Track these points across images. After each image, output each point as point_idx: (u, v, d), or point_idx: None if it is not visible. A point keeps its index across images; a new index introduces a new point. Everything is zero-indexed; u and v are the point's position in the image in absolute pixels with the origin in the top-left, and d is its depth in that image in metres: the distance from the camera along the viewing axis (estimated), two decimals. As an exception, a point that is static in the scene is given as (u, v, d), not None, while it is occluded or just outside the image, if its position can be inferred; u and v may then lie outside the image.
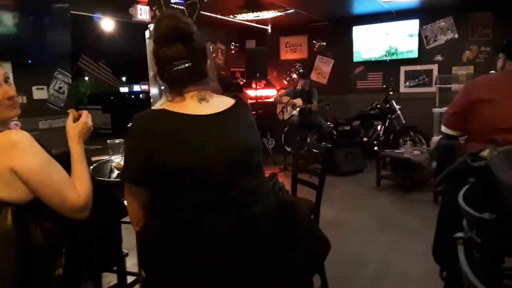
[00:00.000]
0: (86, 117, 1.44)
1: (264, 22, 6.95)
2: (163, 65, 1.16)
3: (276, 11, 5.99)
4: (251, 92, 7.30)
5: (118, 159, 2.05)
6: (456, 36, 6.34)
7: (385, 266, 2.84)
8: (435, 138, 4.94)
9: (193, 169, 1.09)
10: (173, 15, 1.18)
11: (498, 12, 5.97)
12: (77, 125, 1.41)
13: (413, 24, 6.56)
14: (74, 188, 1.28)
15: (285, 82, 7.98)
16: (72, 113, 1.45)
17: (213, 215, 1.11)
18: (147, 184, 1.15)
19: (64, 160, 1.36)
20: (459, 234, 1.11)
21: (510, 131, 1.84)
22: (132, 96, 14.58)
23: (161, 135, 1.10)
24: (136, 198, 1.19)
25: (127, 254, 1.93)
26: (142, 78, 13.79)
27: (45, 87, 4.13)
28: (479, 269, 1.18)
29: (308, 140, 6.41)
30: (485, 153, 1.58)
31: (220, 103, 1.22)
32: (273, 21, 6.90)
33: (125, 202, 2.27)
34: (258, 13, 6.09)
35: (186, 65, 1.15)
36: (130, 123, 2.01)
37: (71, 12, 4.13)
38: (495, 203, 1.41)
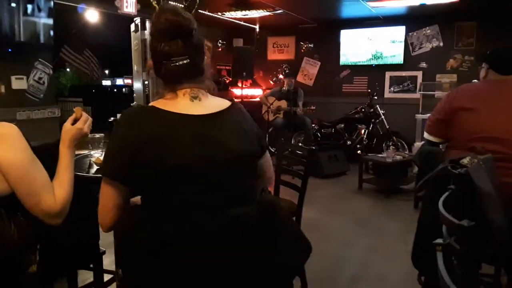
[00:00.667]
0: (82, 123, 1.40)
1: (252, 21, 6.93)
2: (160, 60, 1.14)
3: (265, 10, 5.99)
4: (236, 91, 7.28)
5: (97, 154, 2.00)
6: (441, 44, 6.46)
7: (364, 269, 2.86)
8: (418, 144, 5.04)
9: (178, 169, 1.07)
10: (174, 10, 1.15)
11: (482, 22, 6.11)
12: (71, 129, 1.38)
13: (400, 31, 6.65)
14: (52, 192, 1.25)
15: (271, 82, 7.99)
16: (76, 112, 1.41)
17: (196, 216, 1.09)
18: (126, 181, 1.11)
19: (41, 153, 1.32)
20: (439, 241, 1.12)
21: (490, 140, 1.86)
22: (115, 90, 14.35)
23: (147, 133, 1.07)
24: (112, 194, 1.13)
25: (104, 252, 1.88)
26: (126, 71, 13.58)
27: (24, 77, 4.02)
28: (457, 275, 1.19)
29: (292, 141, 6.42)
30: (465, 160, 1.61)
31: (214, 104, 1.19)
32: (262, 20, 6.89)
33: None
34: (247, 12, 6.08)
35: (185, 61, 1.13)
36: (113, 118, 1.97)
37: (55, 1, 4.03)
38: (474, 210, 1.43)
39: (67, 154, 1.36)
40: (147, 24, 5.87)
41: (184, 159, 1.07)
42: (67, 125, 1.39)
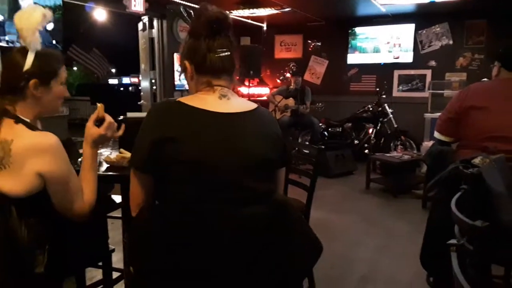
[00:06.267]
0: (105, 129, 1.42)
1: (259, 19, 6.92)
2: (204, 54, 1.17)
3: (272, 8, 5.97)
4: (243, 90, 7.27)
5: (107, 152, 2.00)
6: (451, 42, 6.39)
7: (372, 269, 2.84)
8: (426, 143, 5.00)
9: (197, 163, 1.09)
10: (215, 7, 1.21)
11: (492, 20, 6.04)
12: (94, 133, 1.41)
13: (409, 29, 6.59)
14: (82, 197, 1.34)
15: (278, 81, 7.96)
16: (99, 110, 1.43)
17: (210, 214, 1.10)
18: (149, 171, 1.16)
19: None
20: (453, 241, 1.11)
21: (502, 139, 1.84)
22: (121, 88, 14.47)
23: (172, 128, 1.11)
24: (140, 184, 1.19)
25: (113, 250, 1.89)
26: (132, 70, 13.65)
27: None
28: (469, 275, 1.17)
29: (299, 140, 6.40)
30: (477, 160, 1.58)
31: (240, 104, 1.22)
32: (269, 18, 6.87)
33: (113, 196, 2.22)
34: (254, 10, 6.06)
35: (227, 53, 1.20)
36: (122, 116, 1.97)
37: (63, 0, 4.05)
38: (486, 211, 1.41)
39: (90, 154, 1.41)
40: (155, 23, 5.88)
41: (205, 154, 1.09)
42: (90, 126, 1.42)
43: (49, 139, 1.25)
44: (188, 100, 1.17)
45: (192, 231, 1.10)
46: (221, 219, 1.10)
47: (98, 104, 1.46)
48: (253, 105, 1.24)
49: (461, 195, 1.45)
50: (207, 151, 1.09)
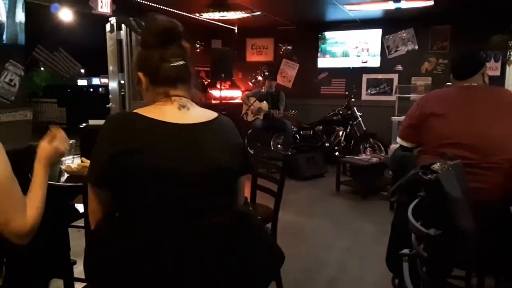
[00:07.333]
0: (58, 142, 1.38)
1: (231, 22, 6.91)
2: (157, 64, 1.16)
3: (243, 12, 5.98)
4: (215, 93, 7.24)
5: (68, 161, 1.95)
6: (416, 47, 6.59)
7: (341, 271, 2.89)
8: (393, 146, 5.12)
9: (158, 177, 1.07)
10: (163, 16, 1.19)
11: (456, 26, 6.26)
12: (47, 148, 1.36)
13: (376, 34, 6.75)
14: (24, 211, 1.19)
15: (250, 83, 7.99)
16: (53, 131, 1.39)
17: (171, 225, 1.09)
18: (109, 186, 1.13)
19: (11, 159, 1.29)
20: (405, 251, 1.14)
21: (459, 146, 1.91)
22: (91, 89, 14.06)
23: (131, 140, 1.08)
24: (97, 199, 1.17)
25: (75, 262, 1.84)
26: (102, 71, 13.29)
27: (-6, 78, 3.89)
28: (425, 282, 1.22)
29: (272, 143, 6.43)
30: (436, 166, 1.64)
31: (200, 114, 1.20)
32: (240, 22, 6.89)
33: (76, 205, 2.17)
34: (225, 13, 6.05)
35: (180, 63, 1.17)
36: (84, 124, 1.92)
37: (27, 0, 3.91)
38: (444, 216, 1.46)
39: (41, 172, 1.33)
40: (123, 25, 5.77)
41: (165, 166, 1.08)
42: (44, 143, 1.37)
43: None
44: (146, 111, 1.14)
45: (152, 241, 1.08)
46: (182, 229, 1.09)
47: (52, 127, 1.42)
48: (213, 115, 1.23)
49: (419, 202, 1.50)
50: (167, 163, 1.08)
